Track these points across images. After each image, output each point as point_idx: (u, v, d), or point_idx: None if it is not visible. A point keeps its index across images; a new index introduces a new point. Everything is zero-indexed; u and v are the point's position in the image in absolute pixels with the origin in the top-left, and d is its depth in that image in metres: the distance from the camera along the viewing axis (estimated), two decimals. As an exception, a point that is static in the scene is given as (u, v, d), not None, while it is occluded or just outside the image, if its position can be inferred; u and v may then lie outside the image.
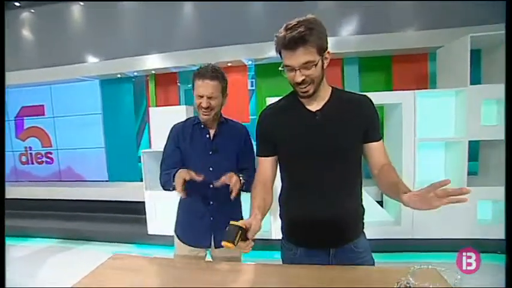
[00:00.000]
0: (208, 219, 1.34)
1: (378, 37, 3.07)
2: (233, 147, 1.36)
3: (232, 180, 1.19)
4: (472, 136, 2.54)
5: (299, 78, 0.93)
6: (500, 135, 2.53)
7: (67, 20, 3.89)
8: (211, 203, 1.33)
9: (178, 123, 1.42)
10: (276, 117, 1.08)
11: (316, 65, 0.93)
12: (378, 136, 1.06)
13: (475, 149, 2.87)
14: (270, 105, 1.13)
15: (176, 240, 1.41)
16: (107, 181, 4.03)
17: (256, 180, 1.09)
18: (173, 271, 1.06)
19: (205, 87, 1.26)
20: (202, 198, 1.32)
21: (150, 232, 2.94)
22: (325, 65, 0.97)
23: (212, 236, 1.35)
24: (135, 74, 3.73)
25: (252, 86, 3.76)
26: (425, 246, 2.58)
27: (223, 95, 1.33)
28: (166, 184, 1.29)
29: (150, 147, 3.79)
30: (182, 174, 1.18)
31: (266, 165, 1.10)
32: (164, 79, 3.84)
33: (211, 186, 1.29)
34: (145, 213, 2.91)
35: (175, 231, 1.43)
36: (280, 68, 0.98)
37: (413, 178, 2.58)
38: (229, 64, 3.51)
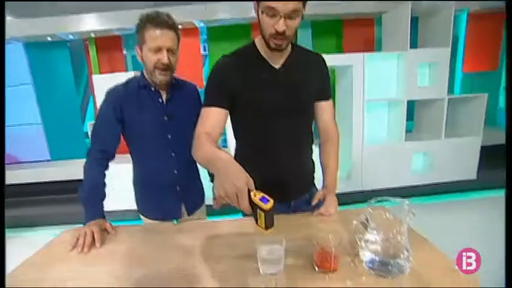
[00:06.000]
0: (175, 189, 1.24)
1: (329, 2, 3.10)
2: (189, 111, 1.21)
3: None
4: (410, 96, 2.84)
5: (281, 27, 0.86)
6: (432, 95, 2.88)
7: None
8: (175, 172, 1.22)
9: (116, 86, 1.16)
10: (236, 68, 0.98)
11: (300, 16, 0.89)
12: (329, 95, 1.11)
13: (411, 109, 3.22)
14: (228, 54, 1.03)
15: (142, 216, 1.29)
16: (48, 160, 3.63)
17: (199, 132, 0.91)
18: (139, 235, 1.04)
19: (165, 38, 1.05)
20: (164, 169, 1.21)
21: (106, 209, 2.80)
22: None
23: (182, 206, 1.27)
24: (70, 37, 3.24)
25: (204, 50, 3.58)
26: (372, 196, 2.92)
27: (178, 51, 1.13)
28: (83, 203, 1.03)
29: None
30: (93, 228, 0.95)
31: (215, 117, 0.96)
32: (107, 43, 3.43)
33: (173, 155, 1.20)
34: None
35: (138, 208, 1.29)
36: (259, 13, 0.89)
37: (362, 137, 2.84)
38: (179, 26, 3.25)
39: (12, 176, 3.31)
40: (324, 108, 1.11)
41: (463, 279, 0.68)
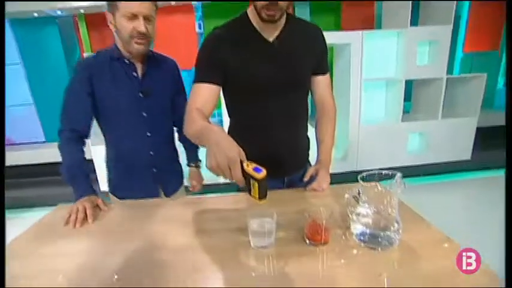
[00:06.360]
0: (151, 171, 1.17)
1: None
2: (167, 88, 1.16)
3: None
4: (408, 76, 2.79)
5: None
6: (431, 74, 2.84)
7: None
8: (151, 153, 1.15)
9: (85, 58, 1.10)
10: (228, 41, 0.94)
11: None
12: (326, 69, 1.08)
13: (409, 90, 3.18)
14: (219, 26, 0.98)
15: (114, 199, 1.20)
16: (44, 142, 3.59)
17: (190, 108, 0.89)
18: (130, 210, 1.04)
19: (141, 4, 0.97)
20: (140, 149, 1.14)
21: (103, 189, 2.82)
22: None
23: (159, 189, 1.22)
24: (58, 12, 3.10)
25: (200, 28, 3.46)
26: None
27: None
28: (69, 184, 1.01)
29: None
30: (86, 204, 0.94)
31: (206, 93, 0.92)
32: (97, 20, 3.30)
33: (148, 134, 1.13)
34: (94, 171, 2.73)
35: (110, 189, 1.21)
36: None
37: (359, 116, 2.82)
38: (172, 3, 3.13)
39: (9, 158, 3.28)
40: (320, 82, 1.08)
41: (454, 252, 0.66)
